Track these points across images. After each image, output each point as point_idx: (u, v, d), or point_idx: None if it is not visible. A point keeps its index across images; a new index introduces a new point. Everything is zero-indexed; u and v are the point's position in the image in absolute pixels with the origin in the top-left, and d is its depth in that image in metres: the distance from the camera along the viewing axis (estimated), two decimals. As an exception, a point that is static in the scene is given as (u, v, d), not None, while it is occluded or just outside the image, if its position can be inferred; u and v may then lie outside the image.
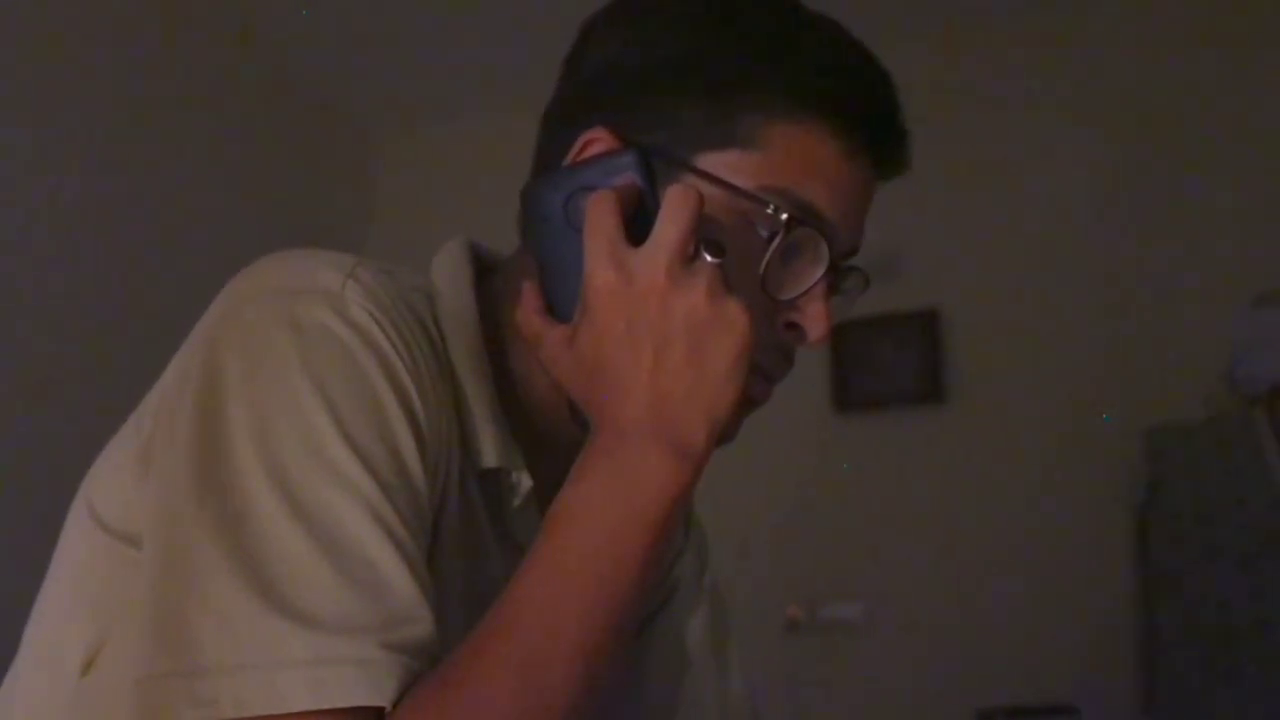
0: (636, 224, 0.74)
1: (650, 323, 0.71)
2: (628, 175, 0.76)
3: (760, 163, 0.80)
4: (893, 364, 3.27)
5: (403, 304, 0.77)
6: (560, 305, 0.78)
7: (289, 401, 0.70)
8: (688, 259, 0.72)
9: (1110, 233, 3.22)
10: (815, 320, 0.83)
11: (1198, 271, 3.13)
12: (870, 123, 0.84)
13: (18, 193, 2.72)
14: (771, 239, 0.79)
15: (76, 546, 0.83)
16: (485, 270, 0.91)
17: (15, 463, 2.59)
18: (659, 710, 1.01)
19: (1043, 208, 3.29)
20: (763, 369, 0.82)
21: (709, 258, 0.73)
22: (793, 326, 0.84)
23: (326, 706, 0.64)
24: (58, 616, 0.82)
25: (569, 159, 0.82)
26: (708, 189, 0.76)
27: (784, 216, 0.78)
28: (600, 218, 0.74)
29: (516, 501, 0.85)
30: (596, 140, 0.82)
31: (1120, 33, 3.30)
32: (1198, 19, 3.24)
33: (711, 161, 0.80)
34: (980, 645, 3.10)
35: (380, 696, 0.64)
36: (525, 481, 0.85)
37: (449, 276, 0.87)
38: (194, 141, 3.25)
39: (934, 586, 3.18)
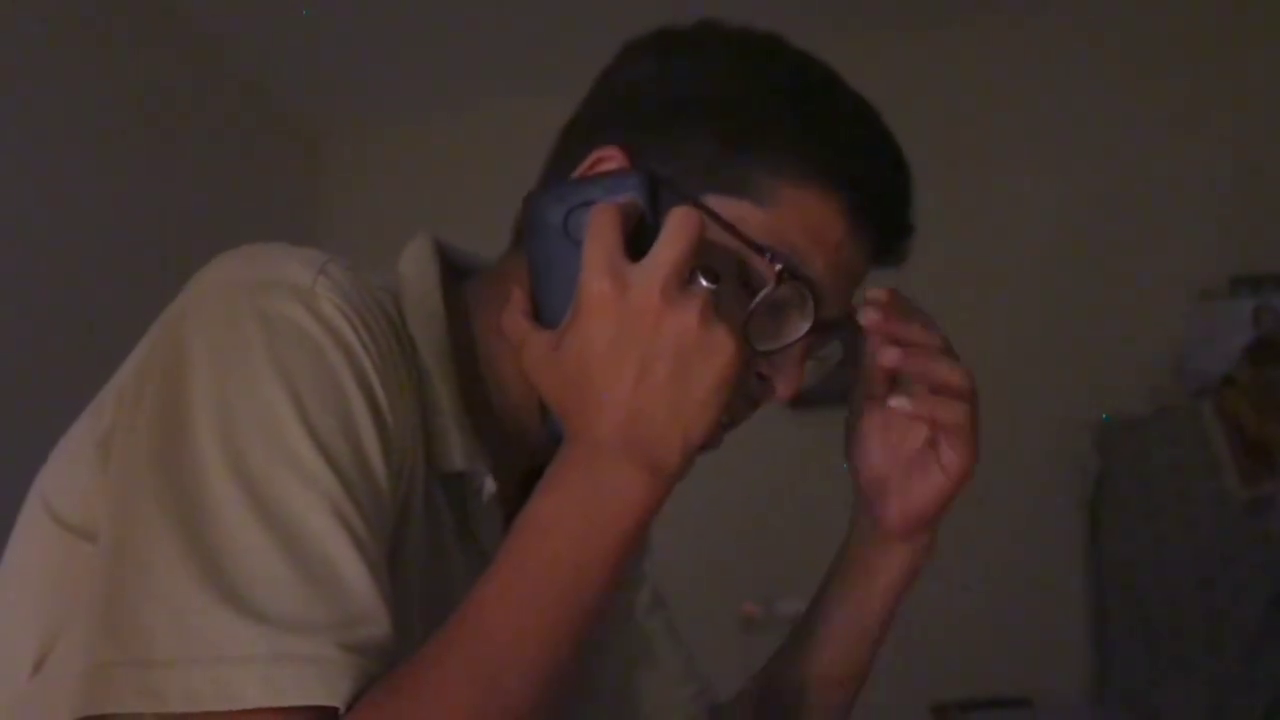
0: (634, 244, 0.73)
1: (638, 338, 0.70)
2: (631, 196, 0.76)
3: (764, 219, 0.80)
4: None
5: (372, 301, 0.76)
6: (548, 314, 0.77)
7: (253, 394, 0.69)
8: (684, 280, 0.71)
9: (1059, 228, 3.25)
10: (788, 377, 0.83)
11: (1146, 265, 3.16)
12: (881, 211, 0.84)
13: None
14: (761, 288, 0.79)
15: (30, 543, 0.81)
16: (454, 269, 0.90)
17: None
18: (603, 680, 1.01)
19: (995, 203, 3.31)
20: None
21: (704, 282, 0.72)
22: (763, 379, 0.83)
23: (279, 704, 0.62)
24: (7, 616, 0.80)
25: (577, 173, 0.82)
26: (708, 225, 0.75)
27: (778, 268, 0.78)
28: (602, 228, 0.72)
29: (480, 505, 0.84)
30: (608, 159, 0.81)
31: (1074, 36, 3.33)
32: (1149, 28, 3.27)
33: (717, 204, 0.79)
34: (933, 640, 3.11)
35: (334, 696, 0.63)
36: (489, 485, 0.83)
37: (417, 275, 0.86)
38: (139, 144, 3.22)
39: (888, 581, 3.19)
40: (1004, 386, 3.22)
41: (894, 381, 0.88)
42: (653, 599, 1.06)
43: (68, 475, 0.79)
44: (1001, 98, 3.36)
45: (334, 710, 0.64)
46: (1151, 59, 3.25)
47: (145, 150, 3.25)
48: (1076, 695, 3.03)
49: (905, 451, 0.90)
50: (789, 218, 0.80)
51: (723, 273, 0.73)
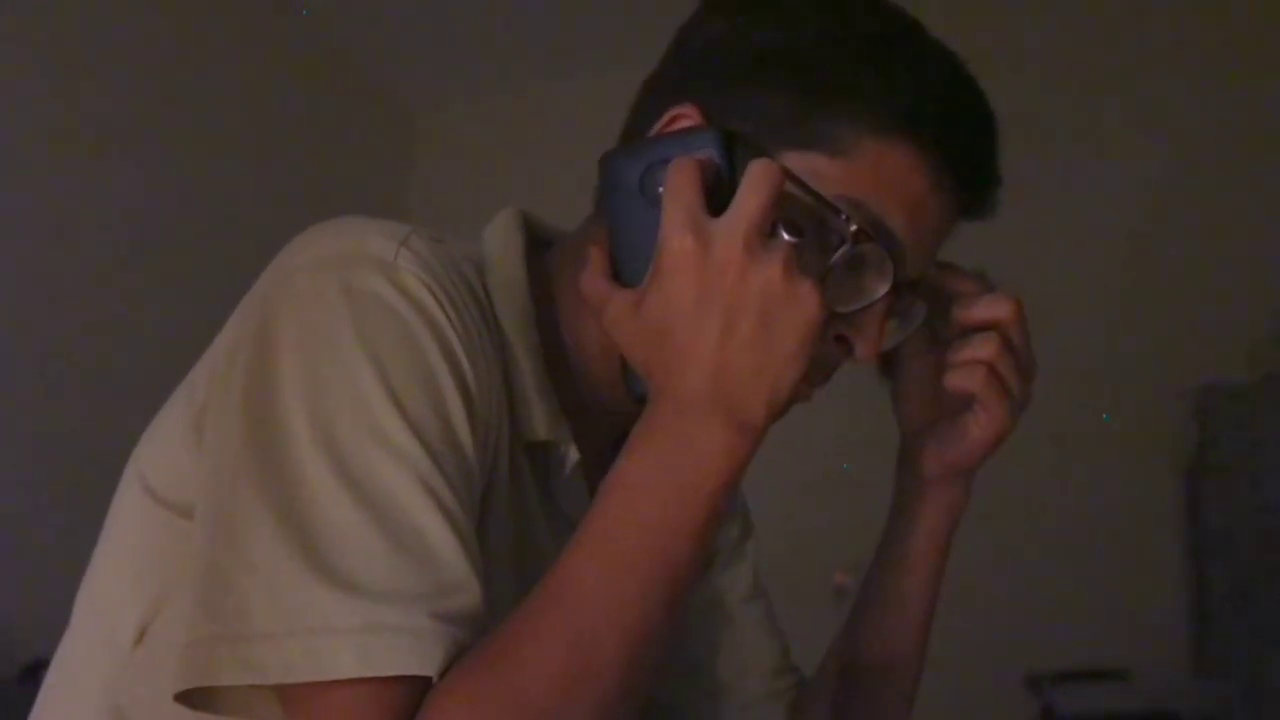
0: (712, 201, 0.72)
1: (722, 293, 0.69)
2: (708, 152, 0.74)
3: (843, 171, 0.78)
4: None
5: (455, 273, 0.76)
6: (627, 275, 0.77)
7: (340, 369, 0.69)
8: (765, 234, 0.70)
9: (1158, 191, 3.18)
10: (867, 338, 0.81)
11: (1246, 229, 3.09)
12: (965, 161, 0.81)
13: (64, 177, 2.77)
14: (838, 247, 0.77)
15: (128, 519, 0.82)
16: (538, 242, 0.90)
17: (65, 438, 2.63)
18: (699, 669, 1.01)
19: (1089, 166, 3.25)
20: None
21: (786, 236, 0.70)
22: (842, 340, 0.81)
23: (373, 674, 0.63)
24: (108, 590, 0.82)
25: (653, 131, 0.81)
26: (786, 182, 0.74)
27: (853, 228, 0.76)
28: (681, 184, 0.71)
29: (564, 474, 0.84)
30: (683, 116, 0.80)
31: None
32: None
33: (794, 160, 0.77)
34: (1029, 609, 3.08)
35: (427, 666, 0.64)
36: (573, 454, 0.84)
37: (500, 246, 0.86)
38: (237, 120, 3.27)
39: (982, 551, 3.14)
40: (1100, 353, 3.18)
41: (941, 339, 0.88)
42: (753, 585, 1.05)
43: (164, 453, 0.80)
44: (1104, 54, 3.29)
45: (427, 680, 0.64)
46: (1260, 13, 3.16)
47: (243, 126, 3.30)
48: (1176, 667, 2.98)
49: (946, 405, 0.90)
50: (868, 169, 0.78)
51: (805, 228, 0.72)
